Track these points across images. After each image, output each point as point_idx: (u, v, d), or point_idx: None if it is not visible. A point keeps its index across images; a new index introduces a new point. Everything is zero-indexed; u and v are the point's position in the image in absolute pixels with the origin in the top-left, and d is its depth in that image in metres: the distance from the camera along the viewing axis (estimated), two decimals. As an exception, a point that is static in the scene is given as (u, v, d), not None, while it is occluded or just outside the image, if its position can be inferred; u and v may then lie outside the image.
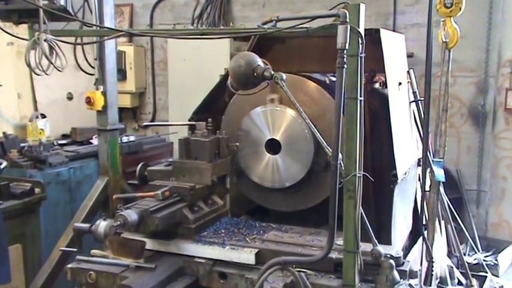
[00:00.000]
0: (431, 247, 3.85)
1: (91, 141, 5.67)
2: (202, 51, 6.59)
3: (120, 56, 7.16)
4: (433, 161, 3.93)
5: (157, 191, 3.04)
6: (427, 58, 3.69)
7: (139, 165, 3.56)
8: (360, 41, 2.45)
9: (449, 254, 4.84)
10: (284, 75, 2.81)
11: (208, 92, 3.80)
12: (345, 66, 2.43)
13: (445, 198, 4.69)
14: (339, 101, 2.43)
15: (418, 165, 4.00)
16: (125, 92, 7.28)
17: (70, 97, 6.66)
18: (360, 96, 2.48)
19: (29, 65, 2.93)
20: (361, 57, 2.47)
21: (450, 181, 5.80)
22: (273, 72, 2.84)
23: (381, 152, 3.36)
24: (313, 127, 2.81)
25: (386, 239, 3.14)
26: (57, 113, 6.32)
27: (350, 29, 2.40)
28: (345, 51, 2.41)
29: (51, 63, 2.85)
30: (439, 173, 3.88)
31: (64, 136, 6.01)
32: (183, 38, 3.17)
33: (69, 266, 2.87)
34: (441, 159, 3.96)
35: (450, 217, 4.82)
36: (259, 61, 2.87)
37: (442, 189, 4.31)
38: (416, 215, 3.90)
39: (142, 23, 7.74)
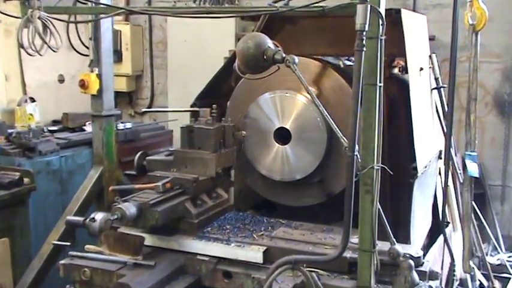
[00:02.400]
0: (470, 250, 3.85)
1: (84, 127, 5.67)
2: (204, 31, 6.57)
3: (116, 35, 7.12)
4: (465, 154, 3.91)
5: (157, 183, 3.04)
6: (452, 41, 3.65)
7: (138, 154, 3.55)
8: (381, 22, 2.43)
9: (471, 254, 4.84)
10: (296, 59, 2.79)
11: (213, 75, 3.79)
12: (364, 49, 2.40)
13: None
14: (356, 87, 2.41)
15: (439, 158, 3.98)
16: (120, 74, 7.26)
17: (62, 80, 6.66)
18: (380, 82, 2.47)
19: (21, 45, 2.91)
20: (381, 39, 2.45)
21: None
22: (284, 55, 2.82)
23: (399, 143, 3.35)
24: (327, 115, 2.79)
25: (404, 237, 3.14)
26: (47, 97, 6.32)
27: (370, 9, 2.37)
28: (364, 32, 2.38)
29: (46, 42, 2.83)
30: (473, 168, 3.85)
31: (55, 122, 6.01)
32: (187, 17, 3.14)
33: (62, 262, 2.88)
34: (474, 153, 3.93)
35: (472, 214, 4.81)
36: (270, 43, 2.85)
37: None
38: (436, 212, 3.89)
39: (139, 0, 7.71)
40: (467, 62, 3.99)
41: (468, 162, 3.85)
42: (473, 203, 4.72)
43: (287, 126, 3.41)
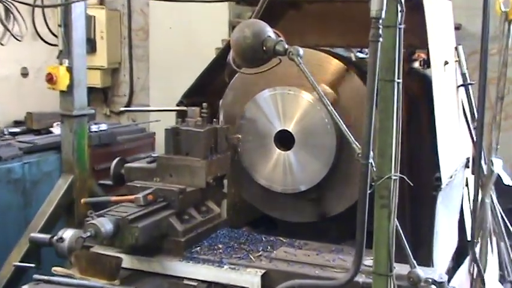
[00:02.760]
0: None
1: (51, 129, 5.66)
2: (193, 17, 6.58)
3: (89, 22, 7.12)
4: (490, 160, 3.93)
5: (137, 195, 3.04)
6: (483, 30, 3.65)
7: (115, 161, 3.56)
8: (400, 8, 2.44)
9: (502, 279, 4.85)
10: (301, 50, 2.80)
11: (203, 69, 3.80)
12: (380, 39, 2.41)
13: (498, 209, 4.70)
14: (371, 83, 2.42)
15: (467, 166, 4.00)
16: (94, 67, 7.25)
17: (25, 73, 6.65)
18: (398, 78, 2.47)
19: (-21, 33, 2.92)
20: (400, 28, 2.46)
21: (503, 187, 5.79)
22: (286, 46, 2.82)
23: (420, 149, 3.37)
24: (337, 116, 2.81)
25: (426, 259, 3.14)
26: (8, 94, 6.32)
27: (387, -7, 2.39)
28: (380, 20, 2.39)
29: (8, 30, 2.83)
30: (504, 175, 3.89)
31: (17, 123, 6.01)
32: (172, 0, 3.15)
33: (25, 287, 2.87)
34: (498, 159, 3.95)
35: (504, 232, 4.82)
36: (270, 31, 2.86)
37: (494, 197, 4.31)
38: (463, 229, 3.90)
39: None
40: (498, 55, 4.01)
41: (497, 166, 3.87)
42: (504, 217, 4.74)
43: (290, 129, 3.42)
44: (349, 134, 2.68)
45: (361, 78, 3.37)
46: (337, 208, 3.48)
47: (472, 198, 3.94)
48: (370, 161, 2.46)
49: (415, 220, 3.29)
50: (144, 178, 3.33)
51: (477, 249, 3.90)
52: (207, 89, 3.84)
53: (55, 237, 2.96)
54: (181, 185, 3.19)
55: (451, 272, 3.65)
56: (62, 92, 4.58)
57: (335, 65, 3.49)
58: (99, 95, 7.87)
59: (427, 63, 3.53)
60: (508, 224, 4.94)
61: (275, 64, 3.02)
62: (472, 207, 3.90)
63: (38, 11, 4.22)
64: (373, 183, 2.49)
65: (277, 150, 3.47)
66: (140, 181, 3.27)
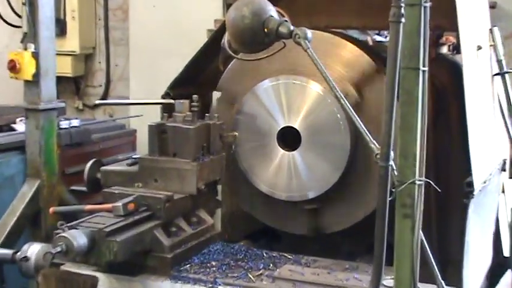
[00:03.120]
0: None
1: (14, 126, 5.65)
2: (180, -6, 6.59)
3: (58, 0, 7.14)
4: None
5: (116, 203, 3.04)
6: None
7: (89, 163, 3.56)
8: (425, -17, 2.45)
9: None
10: (309, 32, 2.80)
11: (192, 55, 3.80)
12: (402, 20, 2.42)
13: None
14: (392, 72, 2.43)
15: (503, 170, 4.00)
16: (64, 53, 7.24)
17: (-17, 60, 6.64)
18: (423, 66, 2.48)
19: None
20: (425, 7, 2.46)
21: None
22: (292, 28, 2.82)
23: (449, 149, 3.37)
24: (351, 110, 2.81)
25: (455, 278, 3.13)
26: (-38, 84, 6.30)
27: (410, -34, 2.39)
28: (402, -2, 2.41)
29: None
30: None
31: (-27, 118, 5.99)
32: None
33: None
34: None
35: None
36: (272, 10, 2.87)
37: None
38: (499, 243, 3.91)
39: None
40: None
41: None
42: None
43: (295, 126, 3.44)
44: (366, 131, 2.69)
45: (379, 66, 3.37)
46: (352, 218, 3.49)
47: (509, 206, 3.94)
48: (390, 163, 2.48)
49: (442, 232, 3.30)
50: (124, 183, 3.34)
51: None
52: (198, 78, 3.84)
53: (19, 253, 2.96)
54: (168, 191, 3.19)
55: (486, 293, 3.67)
56: (26, 81, 4.57)
57: (349, 50, 3.49)
58: (70, 86, 7.86)
59: (457, 48, 3.53)
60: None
61: (278, 49, 3.02)
62: (509, 217, 3.91)
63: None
64: (393, 189, 2.50)
65: (281, 151, 3.48)
66: (119, 187, 3.27)
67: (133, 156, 3.64)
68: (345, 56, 3.51)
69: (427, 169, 2.56)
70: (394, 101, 2.45)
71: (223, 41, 3.01)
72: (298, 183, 3.46)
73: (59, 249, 2.80)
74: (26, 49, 4.54)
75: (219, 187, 3.57)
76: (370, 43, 3.91)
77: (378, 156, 2.50)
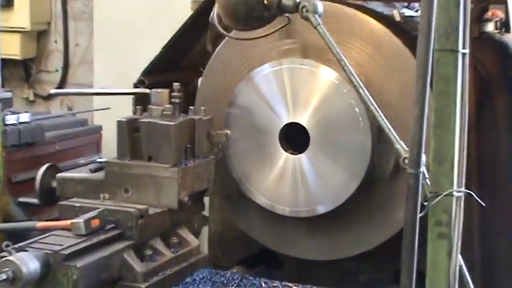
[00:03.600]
0: None
1: None
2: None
3: (4, -38, 7.13)
4: None
5: (76, 219, 3.03)
6: None
7: (42, 168, 3.56)
8: None
9: None
10: (320, 5, 2.79)
11: (173, 34, 3.81)
12: (437, -11, 2.42)
13: None
14: (423, 55, 2.42)
15: None
16: (10, 29, 7.24)
17: None
18: (464, 48, 2.48)
19: None
20: (465, -27, 2.47)
21: None
22: (298, 0, 2.81)
23: (496, 151, 3.36)
24: (373, 102, 2.81)
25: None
26: None
27: None
28: (437, -39, 2.40)
29: None
30: None
31: None
32: None
33: None
34: None
35: None
36: (273, -22, 2.86)
37: None
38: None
39: None
40: None
41: None
42: None
43: (303, 122, 3.44)
44: (391, 129, 2.68)
45: (408, 47, 3.37)
46: (372, 240, 3.48)
47: None
48: (421, 169, 2.47)
49: (487, 256, 3.29)
50: (86, 194, 3.34)
51: None
52: (180, 62, 3.86)
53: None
54: (142, 204, 3.19)
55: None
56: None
57: (371, 27, 3.48)
58: (19, 71, 7.88)
59: (505, 25, 3.51)
60: None
61: (281, 26, 3.01)
62: None
63: None
64: (425, 203, 2.49)
65: (284, 154, 3.48)
66: (80, 199, 3.27)
67: (98, 160, 3.63)
68: (365, 35, 3.49)
69: (467, 177, 2.56)
70: (427, 91, 2.44)
71: (211, 15, 2.99)
72: (305, 194, 3.46)
73: (4, 276, 2.78)
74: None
75: (206, 199, 3.56)
76: (397, 18, 3.90)
77: (406, 160, 2.50)
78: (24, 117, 5.73)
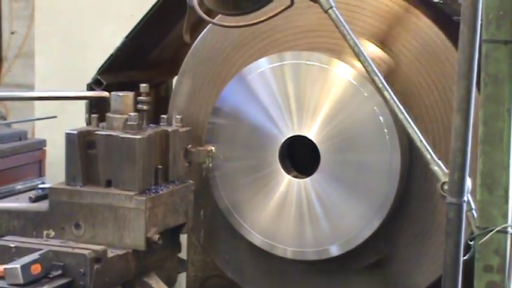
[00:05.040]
0: None
1: None
2: None
3: None
4: None
5: (10, 264, 3.05)
6: None
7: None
8: None
9: None
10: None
11: (139, 19, 3.82)
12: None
13: None
14: (468, 47, 2.45)
15: None
16: None
17: None
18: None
19: None
20: None
21: None
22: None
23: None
24: (402, 109, 2.83)
25: None
26: None
27: None
28: None
29: None
30: None
31: None
32: None
33: None
34: None
35: None
36: None
37: None
38: None
39: None
40: None
41: None
42: None
43: (310, 136, 3.46)
44: (427, 145, 2.69)
45: (447, 36, 3.40)
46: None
47: None
48: (465, 198, 2.50)
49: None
50: (25, 231, 3.36)
51: None
52: (148, 56, 3.88)
53: None
54: (99, 244, 3.21)
55: None
56: None
57: (399, 12, 3.51)
58: None
59: None
60: None
61: (282, 9, 3.03)
62: None
63: None
64: (471, 242, 2.51)
65: (286, 177, 3.51)
66: (17, 237, 3.29)
67: (41, 186, 3.63)
68: (392, 22, 3.53)
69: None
70: (472, 93, 2.47)
71: (190, -4, 3.03)
72: (313, 231, 3.48)
73: None
74: None
75: (184, 237, 3.58)
76: (436, 0, 3.93)
77: (446, 186, 2.52)
78: None
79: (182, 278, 3.61)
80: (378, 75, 2.91)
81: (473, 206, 2.56)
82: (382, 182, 3.38)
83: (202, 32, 3.67)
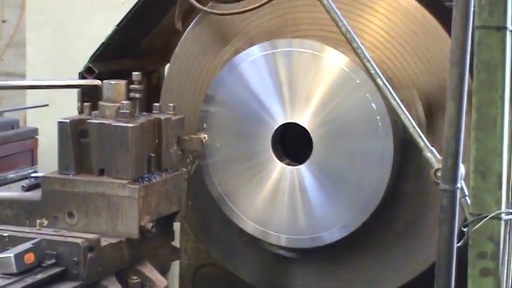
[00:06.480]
0: None
1: None
2: None
3: None
4: None
5: (4, 253, 3.03)
6: None
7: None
8: None
9: None
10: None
11: (130, 9, 3.79)
12: None
13: None
14: (460, 33, 2.45)
15: None
16: None
17: None
18: (514, 24, 2.51)
19: None
20: None
21: None
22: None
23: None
24: (395, 96, 2.82)
25: None
26: None
27: None
28: None
29: None
30: None
31: None
32: None
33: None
34: None
35: None
36: None
37: None
38: None
39: None
40: None
41: None
42: None
43: (303, 123, 3.45)
44: (420, 132, 2.69)
45: (441, 23, 3.39)
46: (394, 278, 3.50)
47: None
48: (459, 184, 2.50)
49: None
50: (18, 219, 3.35)
51: None
52: (139, 45, 3.87)
53: None
54: (92, 233, 3.20)
55: None
56: None
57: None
58: None
59: None
60: None
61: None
62: None
63: None
64: (465, 228, 2.52)
65: (279, 165, 3.50)
66: (10, 226, 3.28)
67: (33, 175, 3.62)
68: (385, 9, 3.51)
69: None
70: (465, 80, 2.47)
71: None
72: (307, 219, 3.47)
73: None
74: None
75: (177, 226, 3.57)
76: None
77: (439, 173, 2.52)
78: None
79: (175, 266, 3.59)
80: (370, 62, 2.91)
81: (466, 192, 2.55)
82: (374, 169, 3.37)
83: (194, 20, 3.66)
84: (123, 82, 3.46)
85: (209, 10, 3.26)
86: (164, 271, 3.47)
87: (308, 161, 3.47)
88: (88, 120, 3.38)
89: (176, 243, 3.67)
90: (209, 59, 3.67)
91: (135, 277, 3.33)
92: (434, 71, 3.35)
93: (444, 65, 3.13)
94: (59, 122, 3.39)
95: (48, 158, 3.75)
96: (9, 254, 3.02)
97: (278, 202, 3.51)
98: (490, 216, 2.51)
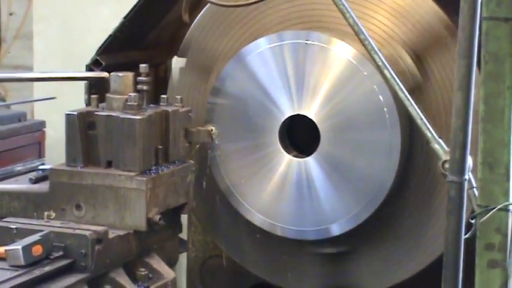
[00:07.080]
0: None
1: None
2: None
3: None
4: None
5: (11, 245, 3.04)
6: None
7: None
8: None
9: None
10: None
11: (137, 1, 3.78)
12: None
13: None
14: (468, 25, 2.45)
15: None
16: None
17: None
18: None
19: None
20: None
21: None
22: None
23: None
24: (403, 88, 2.82)
25: None
26: None
27: None
28: None
29: None
30: None
31: None
32: None
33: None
34: None
35: None
36: None
37: None
38: None
39: None
40: None
41: None
42: None
43: (310, 115, 3.45)
44: (428, 124, 2.68)
45: (448, 16, 3.38)
46: (400, 271, 3.50)
47: None
48: (466, 176, 2.50)
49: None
50: (25, 212, 3.35)
51: None
52: (147, 36, 3.86)
53: None
54: (99, 225, 3.20)
55: None
56: None
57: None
58: None
59: None
60: None
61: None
62: None
63: None
64: (472, 220, 2.51)
65: (286, 157, 3.50)
66: (18, 218, 3.28)
67: (41, 167, 3.62)
68: (394, 1, 3.52)
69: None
70: (473, 71, 2.46)
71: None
72: (314, 211, 3.47)
73: None
74: None
75: (184, 218, 3.57)
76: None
77: (447, 165, 2.52)
78: None
79: (183, 258, 3.58)
80: (377, 54, 2.90)
81: (474, 184, 2.55)
82: (382, 161, 3.37)
83: (202, 12, 3.66)
84: (130, 74, 3.45)
85: (217, 2, 3.25)
86: (172, 263, 3.47)
87: (315, 153, 3.46)
88: (96, 113, 3.38)
89: (184, 235, 3.65)
90: (216, 52, 3.71)
91: (143, 269, 3.33)
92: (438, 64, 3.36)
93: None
94: (67, 115, 3.39)
95: (55, 151, 3.75)
96: (17, 246, 3.02)
97: (285, 194, 3.51)
98: (498, 207, 2.51)
